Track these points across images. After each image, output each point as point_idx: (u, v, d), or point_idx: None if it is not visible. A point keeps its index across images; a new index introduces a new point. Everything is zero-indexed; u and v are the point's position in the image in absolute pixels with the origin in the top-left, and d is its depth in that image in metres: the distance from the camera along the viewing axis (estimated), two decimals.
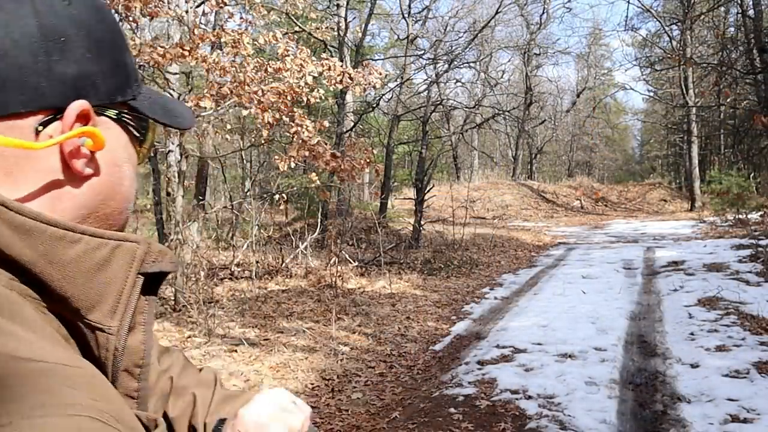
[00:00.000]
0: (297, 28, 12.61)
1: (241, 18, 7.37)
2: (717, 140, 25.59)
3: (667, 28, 21.99)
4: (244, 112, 6.23)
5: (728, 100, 20.23)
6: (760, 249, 8.90)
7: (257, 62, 5.98)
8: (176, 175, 6.76)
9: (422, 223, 12.14)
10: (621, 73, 61.88)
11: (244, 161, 15.98)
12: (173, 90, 7.08)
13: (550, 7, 25.91)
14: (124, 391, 0.56)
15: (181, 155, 6.68)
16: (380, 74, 6.95)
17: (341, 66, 6.53)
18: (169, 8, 6.20)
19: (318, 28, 11.84)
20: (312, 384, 4.48)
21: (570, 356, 4.79)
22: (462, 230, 12.05)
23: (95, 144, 0.55)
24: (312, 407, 4.03)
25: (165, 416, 0.75)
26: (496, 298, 7.61)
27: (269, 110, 5.80)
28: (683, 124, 23.18)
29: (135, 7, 5.69)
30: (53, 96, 0.52)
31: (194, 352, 5.07)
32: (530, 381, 4.24)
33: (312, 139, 6.13)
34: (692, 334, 5.31)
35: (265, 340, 5.53)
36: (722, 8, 19.35)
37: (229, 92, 5.75)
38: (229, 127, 9.37)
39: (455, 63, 17.00)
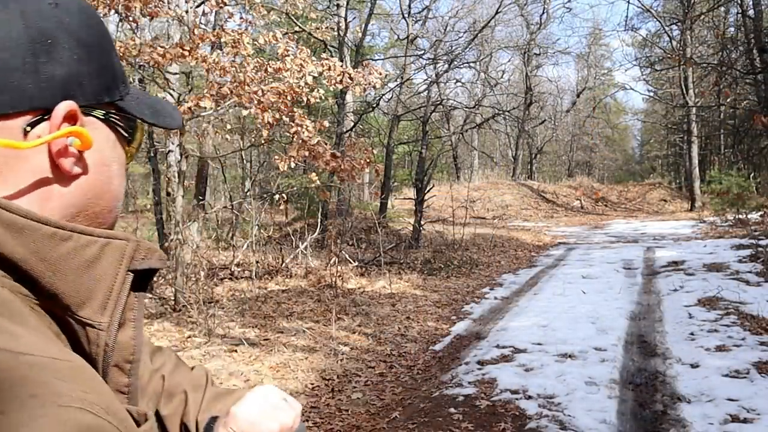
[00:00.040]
0: (297, 28, 12.61)
1: (241, 18, 7.38)
2: (717, 140, 25.59)
3: (667, 28, 21.99)
4: (244, 112, 6.23)
5: (728, 100, 20.23)
6: (760, 249, 8.90)
7: (257, 62, 5.98)
8: (176, 175, 6.76)
9: (422, 223, 12.14)
10: (621, 73, 61.95)
11: (244, 161, 15.98)
12: (173, 90, 7.08)
13: (550, 7, 25.94)
14: (115, 386, 0.57)
15: (181, 155, 6.68)
16: (380, 74, 6.94)
17: (341, 66, 6.52)
18: (169, 8, 6.20)
19: (318, 28, 11.84)
20: (312, 384, 4.48)
21: (570, 356, 4.79)
22: (462, 230, 12.05)
23: (83, 143, 0.56)
24: (312, 407, 4.04)
25: (157, 415, 0.76)
26: (496, 298, 7.61)
27: (269, 110, 5.80)
28: (683, 124, 23.18)
29: (135, 7, 5.69)
30: (41, 97, 0.54)
31: (194, 352, 5.07)
32: (530, 381, 4.24)
33: (312, 139, 6.13)
34: (692, 334, 5.31)
35: (265, 340, 5.53)
36: (722, 8, 19.35)
37: (229, 92, 5.75)
38: (229, 127, 9.37)
39: (455, 63, 17.00)
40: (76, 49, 0.56)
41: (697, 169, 20.67)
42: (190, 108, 5.70)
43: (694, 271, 8.42)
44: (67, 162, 0.55)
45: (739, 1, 15.71)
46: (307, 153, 6.29)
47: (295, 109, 6.13)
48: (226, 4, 6.70)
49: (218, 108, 6.06)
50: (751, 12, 14.93)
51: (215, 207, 11.78)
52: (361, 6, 18.60)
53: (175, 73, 8.53)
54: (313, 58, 6.31)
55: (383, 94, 16.16)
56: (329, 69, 6.30)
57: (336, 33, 13.06)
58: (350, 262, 9.44)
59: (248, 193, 12.48)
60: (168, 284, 7.57)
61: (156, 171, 11.31)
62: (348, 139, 11.67)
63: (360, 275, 9.02)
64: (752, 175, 16.31)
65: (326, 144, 6.61)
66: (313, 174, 7.05)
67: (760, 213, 12.73)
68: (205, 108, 5.72)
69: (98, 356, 0.55)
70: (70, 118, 0.55)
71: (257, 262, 8.75)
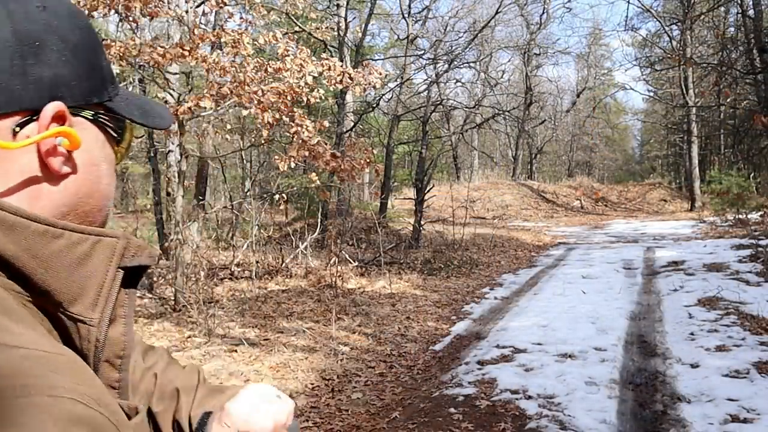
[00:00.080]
0: (297, 28, 12.61)
1: (241, 18, 7.38)
2: (717, 140, 25.59)
3: (667, 28, 21.99)
4: (244, 112, 6.23)
5: (728, 100, 20.23)
6: (760, 249, 8.90)
7: (257, 62, 5.98)
8: (176, 175, 6.76)
9: (422, 223, 12.14)
10: (621, 73, 61.92)
11: (244, 161, 15.98)
12: (173, 90, 7.08)
13: (550, 7, 25.93)
14: (106, 381, 0.57)
15: (181, 155, 6.67)
16: (380, 74, 6.95)
17: (341, 66, 6.53)
18: (169, 8, 6.20)
19: (318, 28, 11.84)
20: (312, 384, 4.48)
21: (570, 356, 4.79)
22: (462, 230, 12.05)
23: (71, 143, 0.57)
24: (312, 407, 4.04)
25: (150, 412, 0.76)
26: (496, 298, 7.61)
27: (269, 110, 5.80)
28: (683, 124, 23.18)
29: (135, 7, 5.69)
30: (29, 98, 0.55)
31: (194, 352, 5.07)
32: (530, 381, 4.24)
33: (312, 139, 6.13)
34: (692, 334, 5.31)
35: (265, 340, 5.53)
36: (722, 8, 19.34)
37: (229, 92, 5.75)
38: (229, 127, 9.37)
39: (455, 63, 17.00)
40: (64, 51, 0.57)
41: (697, 169, 20.67)
42: (190, 108, 5.70)
43: (694, 271, 8.42)
44: (56, 161, 0.56)
45: (739, 1, 15.71)
46: (307, 153, 6.30)
47: (295, 109, 6.13)
48: (226, 4, 6.70)
49: (218, 108, 6.06)
50: (751, 12, 14.93)
51: (215, 207, 11.78)
52: (361, 6, 18.60)
53: (175, 73, 8.54)
54: (313, 58, 6.32)
55: (383, 94, 16.16)
56: (329, 69, 6.30)
57: (336, 33, 13.06)
58: (350, 262, 9.44)
59: (248, 193, 12.48)
60: (168, 284, 7.57)
61: (156, 171, 11.32)
62: (348, 139, 11.67)
63: (360, 275, 9.02)
64: (752, 175, 16.31)
65: (326, 144, 6.62)
66: (313, 174, 7.05)
67: (760, 213, 12.73)
68: (205, 108, 5.73)
69: (89, 352, 0.56)
70: (59, 119, 0.56)
71: (257, 262, 8.75)
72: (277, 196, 9.52)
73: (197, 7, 7.08)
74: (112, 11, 5.81)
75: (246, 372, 4.64)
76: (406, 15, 15.52)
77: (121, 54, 5.48)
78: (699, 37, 22.18)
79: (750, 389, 3.91)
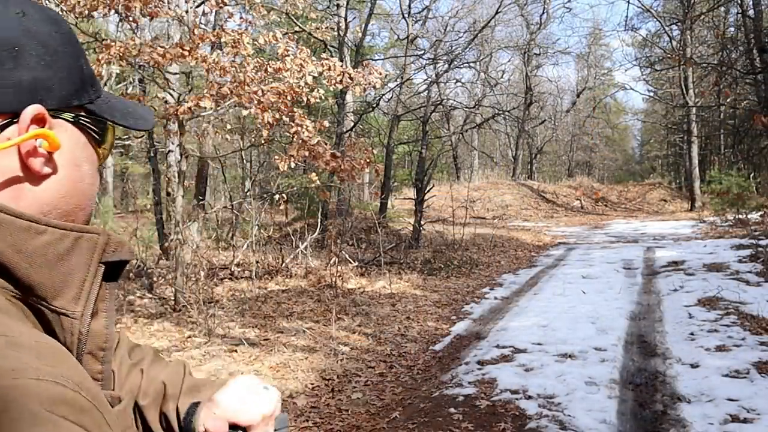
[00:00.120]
0: (297, 28, 12.61)
1: (241, 18, 7.38)
2: (717, 140, 25.59)
3: (667, 28, 21.98)
4: (244, 112, 6.23)
5: (728, 100, 20.23)
6: (760, 249, 8.90)
7: (257, 62, 5.98)
8: (176, 175, 6.76)
9: (422, 223, 12.14)
10: (621, 73, 61.85)
11: (244, 161, 15.98)
12: (173, 90, 7.08)
13: (550, 7, 25.92)
14: (89, 373, 0.59)
15: (181, 155, 6.67)
16: (380, 74, 6.94)
17: (341, 66, 6.52)
18: (169, 8, 6.20)
19: (318, 28, 11.84)
20: (312, 384, 4.48)
21: (570, 356, 4.79)
22: (462, 230, 12.05)
23: (51, 145, 0.59)
24: (312, 407, 4.04)
25: (137, 407, 0.77)
26: (496, 298, 7.61)
27: (269, 110, 5.80)
28: (683, 124, 23.18)
29: (135, 7, 5.69)
30: (9, 102, 0.57)
31: (194, 352, 5.07)
32: (530, 381, 4.24)
33: (312, 139, 6.13)
34: (692, 334, 5.31)
35: (265, 340, 5.53)
36: (722, 8, 19.34)
37: (229, 92, 5.75)
38: (229, 127, 9.37)
39: (455, 63, 17.00)
40: (43, 55, 0.59)
41: (697, 169, 20.67)
42: (190, 108, 5.70)
43: (694, 271, 8.42)
44: (37, 162, 0.58)
45: (739, 1, 15.71)
46: (307, 153, 6.29)
47: (295, 109, 6.13)
48: (226, 4, 6.70)
49: (218, 108, 6.06)
50: (751, 12, 14.93)
51: (215, 207, 11.78)
52: (361, 6, 18.60)
53: (175, 73, 8.54)
54: (313, 58, 6.31)
55: (383, 94, 16.16)
56: (329, 69, 6.30)
57: (336, 33, 13.06)
58: (350, 262, 9.44)
59: (248, 193, 12.48)
60: (168, 284, 7.57)
61: (156, 171, 11.32)
62: (348, 139, 11.67)
63: (360, 275, 9.02)
64: (752, 175, 16.31)
65: (326, 144, 6.61)
66: (313, 174, 7.05)
67: (760, 213, 12.73)
68: (205, 108, 5.73)
69: (72, 345, 0.58)
70: (39, 121, 0.58)
71: (257, 262, 8.75)
72: (277, 196, 9.51)
73: (197, 7, 7.08)
74: (112, 11, 5.81)
75: (246, 372, 4.64)
76: (406, 15, 15.51)
77: (121, 54, 5.48)
78: (699, 37, 22.17)
79: (750, 389, 3.91)
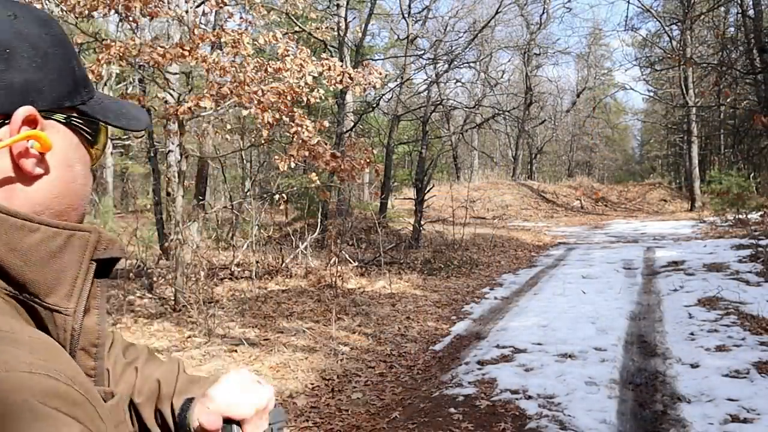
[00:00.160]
0: (297, 28, 12.61)
1: (241, 18, 7.37)
2: (717, 140, 25.59)
3: (667, 28, 21.98)
4: (244, 112, 6.23)
5: (728, 100, 20.22)
6: (760, 249, 8.90)
7: (257, 62, 5.98)
8: (176, 175, 6.76)
9: (422, 223, 12.14)
10: (621, 73, 61.80)
11: (244, 161, 15.98)
12: (173, 90, 7.08)
13: (550, 7, 25.92)
14: (82, 369, 0.59)
15: (181, 155, 6.67)
16: (380, 74, 6.94)
17: (341, 66, 6.52)
18: (169, 8, 6.20)
19: (318, 28, 11.84)
20: (312, 384, 4.48)
21: (570, 356, 4.79)
22: (462, 230, 12.05)
23: (42, 146, 0.59)
24: (312, 407, 4.04)
25: (132, 404, 0.78)
26: (496, 298, 7.61)
27: (269, 110, 5.80)
28: (683, 124, 23.18)
29: (135, 7, 5.69)
30: (0, 103, 0.58)
31: (194, 352, 5.07)
32: (530, 381, 4.24)
33: (312, 139, 6.13)
34: (692, 334, 5.31)
35: (265, 340, 5.53)
36: (722, 8, 19.34)
37: (229, 92, 5.75)
38: (229, 127, 9.37)
39: (455, 63, 17.00)
40: (35, 57, 0.60)
41: (697, 169, 20.67)
42: (190, 108, 5.70)
43: (694, 271, 8.42)
44: (29, 163, 0.59)
45: (739, 1, 15.71)
46: (307, 153, 6.29)
47: (295, 109, 6.13)
48: (226, 4, 6.70)
49: (218, 108, 6.06)
50: (751, 12, 14.93)
51: (215, 207, 11.78)
52: (361, 6, 18.60)
53: (175, 73, 8.53)
54: (313, 58, 6.31)
55: (383, 94, 16.16)
56: (329, 69, 6.30)
57: (336, 33, 13.06)
58: (350, 262, 9.44)
59: (248, 193, 12.48)
60: (168, 284, 7.57)
61: (156, 171, 11.33)
62: (348, 139, 11.67)
63: (360, 275, 9.02)
64: (752, 175, 16.31)
65: (326, 144, 6.61)
66: (313, 174, 7.05)
67: (760, 213, 12.73)
68: (205, 108, 5.73)
69: (66, 341, 0.59)
70: (30, 122, 0.59)
71: (257, 262, 8.75)
72: (277, 196, 9.52)
73: (197, 7, 7.08)
74: (112, 11, 5.81)
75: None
76: (406, 15, 15.51)
77: (121, 54, 5.48)
78: (699, 37, 22.17)
79: (750, 389, 3.91)
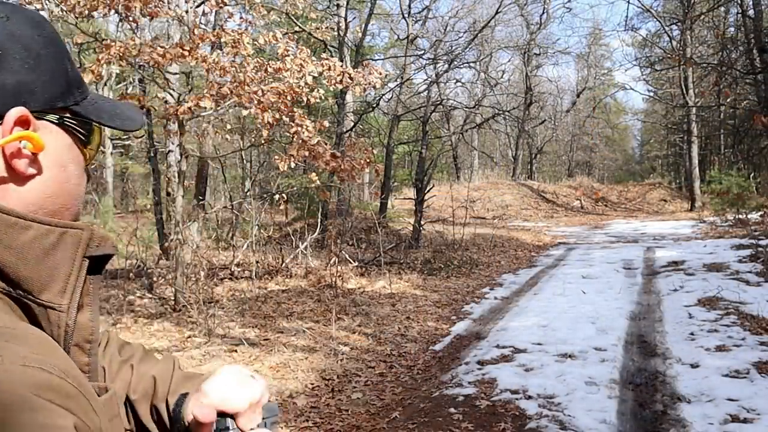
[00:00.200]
0: (297, 28, 12.61)
1: (241, 18, 7.38)
2: (717, 140, 25.59)
3: (667, 28, 21.98)
4: (244, 112, 6.23)
5: (728, 100, 20.22)
6: (760, 249, 8.90)
7: (257, 62, 5.98)
8: (176, 175, 6.76)
9: (422, 223, 12.14)
10: (621, 73, 61.81)
11: (244, 161, 15.98)
12: (173, 90, 7.08)
13: (550, 7, 25.92)
14: (76, 364, 0.60)
15: (181, 155, 6.67)
16: (380, 74, 6.94)
17: (341, 66, 6.52)
18: (169, 8, 6.20)
19: (318, 28, 11.84)
20: (312, 384, 4.48)
21: (570, 356, 4.79)
22: (462, 230, 12.05)
23: (34, 146, 0.60)
24: (312, 407, 4.04)
25: (128, 401, 0.79)
26: (496, 298, 7.61)
27: (269, 110, 5.80)
28: (683, 124, 23.18)
29: (135, 7, 5.69)
30: None
31: (194, 352, 5.07)
32: (530, 381, 4.24)
33: (312, 139, 6.13)
34: (692, 334, 5.31)
35: (265, 340, 5.53)
36: (722, 8, 19.34)
37: (229, 92, 5.75)
38: (229, 127, 9.38)
39: (455, 63, 16.99)
40: (27, 59, 0.60)
41: (697, 169, 20.67)
42: (190, 108, 5.70)
43: (694, 271, 8.42)
44: (21, 163, 0.60)
45: (739, 1, 15.70)
46: (307, 153, 6.29)
47: (295, 109, 6.13)
48: (226, 4, 6.70)
49: (218, 108, 6.06)
50: (751, 12, 14.93)
51: (215, 207, 11.78)
52: (361, 6, 18.60)
53: (175, 73, 8.53)
54: (313, 58, 6.31)
55: (383, 94, 16.16)
56: (329, 69, 6.30)
57: (336, 33, 13.06)
58: (350, 262, 9.44)
59: (248, 193, 12.48)
60: (168, 284, 7.57)
61: (156, 171, 11.32)
62: (348, 139, 11.67)
63: (360, 275, 9.02)
64: (752, 175, 16.31)
65: (326, 144, 6.61)
66: (313, 174, 7.05)
67: (760, 213, 12.73)
68: (205, 108, 5.73)
69: (60, 337, 0.59)
70: (23, 123, 0.59)
71: (257, 262, 8.75)
72: (277, 196, 9.52)
73: (197, 7, 7.08)
74: (112, 11, 5.81)
75: None
76: (406, 15, 15.51)
77: (121, 54, 5.48)
78: (699, 37, 22.17)
79: (750, 389, 3.91)
